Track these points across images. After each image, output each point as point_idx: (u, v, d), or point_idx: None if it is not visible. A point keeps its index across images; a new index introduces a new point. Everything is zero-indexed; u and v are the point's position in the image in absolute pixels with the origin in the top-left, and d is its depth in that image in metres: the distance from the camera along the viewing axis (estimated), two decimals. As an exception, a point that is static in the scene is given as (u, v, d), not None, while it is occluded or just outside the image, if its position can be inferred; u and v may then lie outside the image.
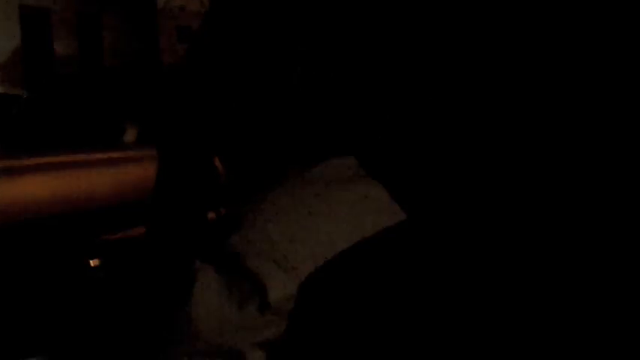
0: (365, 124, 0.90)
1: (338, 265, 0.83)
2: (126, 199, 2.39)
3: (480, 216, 0.84)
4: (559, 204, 0.83)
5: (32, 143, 7.05)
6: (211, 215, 1.07)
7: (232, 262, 0.85)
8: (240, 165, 0.99)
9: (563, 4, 0.85)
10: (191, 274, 0.87)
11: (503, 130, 0.86)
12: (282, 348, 0.85)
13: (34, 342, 1.97)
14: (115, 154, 2.63)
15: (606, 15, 0.84)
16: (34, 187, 2.32)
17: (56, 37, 15.29)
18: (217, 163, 1.00)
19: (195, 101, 1.05)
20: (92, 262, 2.07)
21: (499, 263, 0.83)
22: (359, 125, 0.90)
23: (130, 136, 6.12)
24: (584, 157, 0.84)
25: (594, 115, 0.84)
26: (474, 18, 0.88)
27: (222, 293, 0.85)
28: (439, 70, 0.88)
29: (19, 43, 14.69)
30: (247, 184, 0.96)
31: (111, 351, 1.79)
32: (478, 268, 0.83)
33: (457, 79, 0.88)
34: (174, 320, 0.86)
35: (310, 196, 0.86)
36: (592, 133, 0.84)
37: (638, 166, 0.82)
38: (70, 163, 2.51)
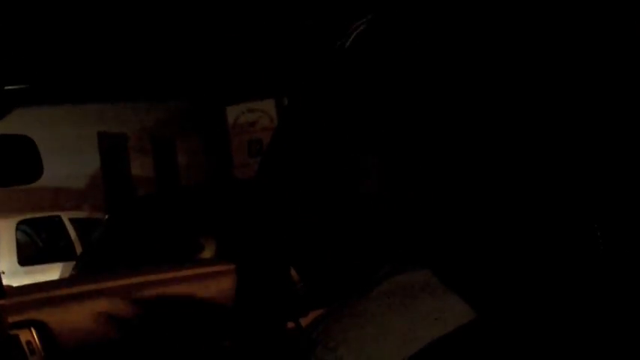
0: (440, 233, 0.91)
1: None
2: (205, 315, 2.41)
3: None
4: None
5: (110, 265, 7.18)
6: (290, 324, 1.08)
7: None
8: (316, 274, 1.01)
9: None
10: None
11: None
12: None
13: None
14: (191, 272, 2.67)
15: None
16: (108, 309, 2.35)
17: (133, 160, 15.83)
18: (293, 273, 1.03)
19: (269, 213, 1.08)
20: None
21: None
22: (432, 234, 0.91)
23: (207, 252, 6.20)
24: None
25: None
26: None
27: None
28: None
29: (99, 169, 15.25)
30: (323, 292, 0.98)
31: None
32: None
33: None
34: None
35: (381, 314, 0.86)
36: None
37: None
38: (147, 283, 2.54)
